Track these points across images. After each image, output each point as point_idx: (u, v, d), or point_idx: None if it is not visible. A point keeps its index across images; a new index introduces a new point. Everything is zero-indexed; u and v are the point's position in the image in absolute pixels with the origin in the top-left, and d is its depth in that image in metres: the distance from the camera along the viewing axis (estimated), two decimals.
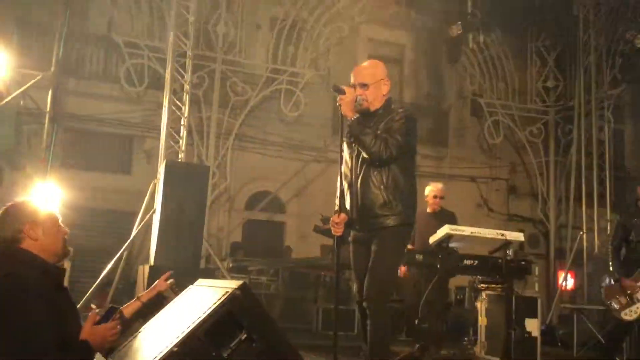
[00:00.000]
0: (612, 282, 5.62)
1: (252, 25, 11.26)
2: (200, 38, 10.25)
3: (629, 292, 5.41)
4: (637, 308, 5.35)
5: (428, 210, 6.44)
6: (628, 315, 5.41)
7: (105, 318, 2.68)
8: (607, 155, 11.12)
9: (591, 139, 11.33)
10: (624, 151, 13.18)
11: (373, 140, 3.54)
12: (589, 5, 11.50)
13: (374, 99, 3.73)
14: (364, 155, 3.61)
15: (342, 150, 3.77)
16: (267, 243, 11.49)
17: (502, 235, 5.66)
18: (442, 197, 6.42)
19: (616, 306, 5.48)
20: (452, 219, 6.25)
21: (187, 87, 9.45)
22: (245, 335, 2.43)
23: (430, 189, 6.45)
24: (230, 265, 9.21)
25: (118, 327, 2.64)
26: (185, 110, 9.41)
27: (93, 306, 4.42)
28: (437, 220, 5.89)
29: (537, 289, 6.67)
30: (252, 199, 11.53)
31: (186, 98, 9.44)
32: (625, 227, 5.66)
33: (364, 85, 3.71)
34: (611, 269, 5.68)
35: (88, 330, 2.52)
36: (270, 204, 11.52)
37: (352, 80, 3.77)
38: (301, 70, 11.05)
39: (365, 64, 3.90)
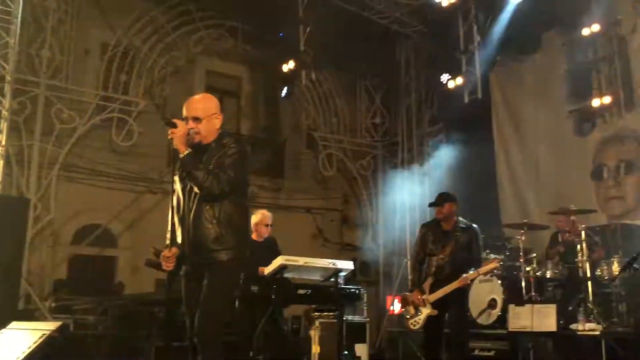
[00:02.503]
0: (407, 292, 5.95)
1: (80, 50, 10.75)
2: (22, 62, 9.56)
3: (417, 304, 5.71)
4: (420, 319, 5.70)
5: (255, 237, 6.46)
6: (413, 324, 5.78)
7: None
8: (427, 188, 12.04)
9: (413, 171, 12.22)
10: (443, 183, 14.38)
11: (205, 176, 3.54)
12: (409, 49, 12.55)
13: (207, 133, 3.74)
14: (196, 190, 3.60)
15: (174, 183, 3.72)
16: (96, 279, 10.81)
17: (334, 264, 5.90)
18: (272, 225, 6.55)
19: (407, 315, 5.86)
20: (275, 245, 6.41)
21: (5, 113, 8.73)
22: None
23: (260, 218, 6.51)
24: (53, 305, 8.54)
25: None
26: (3, 138, 8.68)
27: None
28: (264, 249, 6.00)
29: (366, 314, 6.97)
30: (80, 233, 10.84)
31: (4, 125, 8.71)
32: (422, 240, 5.89)
33: (197, 119, 3.71)
34: (410, 277, 6.00)
35: None
36: (100, 238, 10.90)
37: (184, 112, 3.75)
38: (134, 99, 10.73)
39: (198, 97, 3.90)
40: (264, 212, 6.66)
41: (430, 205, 5.94)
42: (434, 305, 5.62)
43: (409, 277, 6.00)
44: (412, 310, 5.75)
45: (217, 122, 3.80)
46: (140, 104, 10.76)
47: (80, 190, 10.54)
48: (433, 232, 5.84)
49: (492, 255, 5.79)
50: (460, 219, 5.81)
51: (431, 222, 6.10)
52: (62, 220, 10.44)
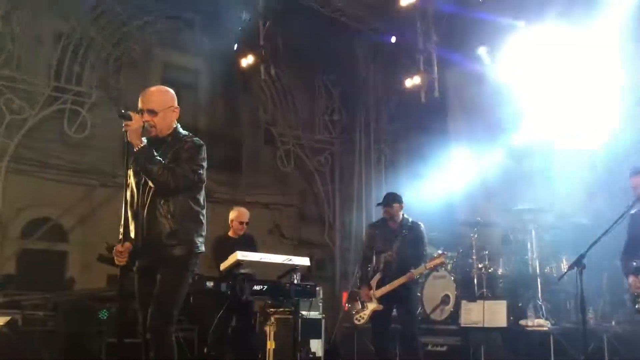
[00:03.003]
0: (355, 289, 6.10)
1: (33, 39, 10.42)
2: None
3: (363, 300, 5.88)
4: (365, 314, 5.87)
5: (230, 234, 6.43)
6: (358, 320, 5.95)
7: None
8: (384, 185, 12.15)
9: (371, 170, 12.32)
10: (399, 181, 14.51)
11: (160, 170, 3.49)
12: (368, 47, 12.61)
13: (163, 127, 3.68)
14: (151, 184, 3.54)
15: (127, 177, 3.65)
16: (46, 275, 10.52)
17: (290, 260, 5.89)
18: (247, 223, 6.49)
19: (353, 311, 6.01)
20: (253, 243, 6.37)
21: None
22: None
23: (237, 215, 6.46)
24: (1, 300, 8.28)
25: None
26: None
27: None
28: (242, 246, 5.93)
29: (321, 310, 7.01)
30: (29, 227, 10.54)
31: None
32: (370, 237, 6.12)
33: (152, 112, 3.64)
34: (358, 275, 6.16)
35: None
36: (50, 232, 10.62)
37: (139, 105, 3.68)
38: (88, 90, 10.48)
39: (153, 89, 3.82)
40: (241, 209, 6.61)
41: (378, 205, 6.08)
42: (381, 300, 5.74)
43: (357, 274, 6.15)
44: (358, 305, 5.94)
45: (174, 115, 3.74)
46: (93, 95, 10.51)
47: (30, 183, 10.26)
48: (380, 230, 6.04)
49: (439, 251, 5.89)
50: (407, 217, 5.96)
51: (378, 221, 6.31)
52: (10, 214, 10.14)
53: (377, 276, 5.85)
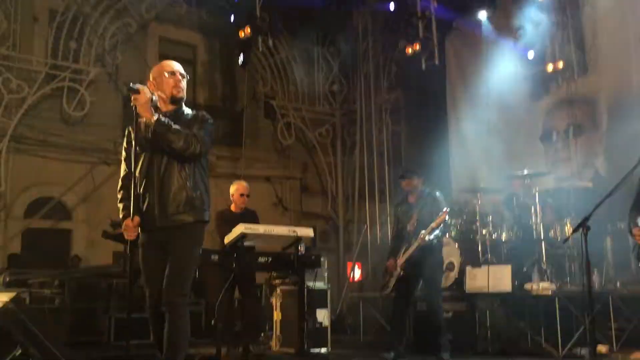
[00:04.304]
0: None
1: (28, 17, 10.31)
2: None
3: (390, 270, 6.05)
4: (390, 282, 6.03)
5: (233, 209, 6.39)
6: (386, 289, 6.11)
7: None
8: (386, 155, 12.11)
9: (372, 140, 12.27)
10: (401, 151, 14.50)
11: (183, 136, 3.48)
12: (367, 16, 12.45)
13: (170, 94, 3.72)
14: (172, 151, 3.51)
15: (135, 151, 3.60)
16: (51, 253, 10.58)
17: (294, 231, 5.92)
18: (248, 195, 6.44)
19: (383, 282, 6.19)
20: (255, 218, 6.35)
21: None
22: (20, 351, 2.23)
23: (236, 187, 6.42)
24: (7, 279, 8.33)
25: None
26: None
27: None
28: (245, 220, 5.90)
29: (327, 281, 7.04)
30: (33, 206, 10.56)
31: None
32: (395, 216, 6.34)
33: (182, 75, 3.70)
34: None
35: None
36: (54, 211, 10.65)
37: (174, 69, 3.68)
38: (85, 67, 10.40)
39: (169, 62, 3.84)
40: (240, 181, 6.56)
41: (400, 178, 6.28)
42: (404, 268, 5.86)
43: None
44: (387, 276, 6.07)
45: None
46: (91, 72, 10.44)
47: (31, 162, 10.26)
48: (402, 207, 6.28)
49: (444, 209, 5.96)
50: (425, 189, 6.09)
51: (400, 199, 6.52)
52: (13, 194, 10.16)
53: (404, 247, 6.00)
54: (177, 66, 3.74)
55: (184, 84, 3.71)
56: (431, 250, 5.88)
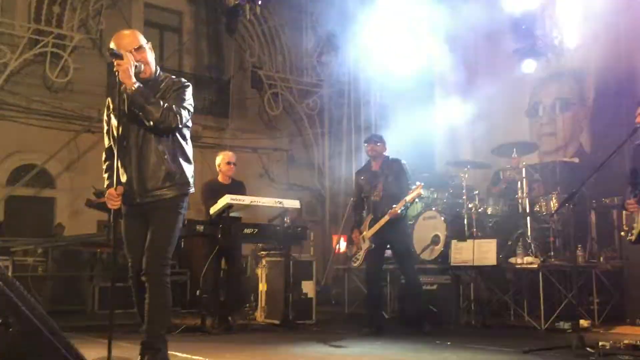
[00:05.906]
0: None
1: None
2: None
3: (357, 243, 5.96)
4: (359, 255, 5.95)
5: (220, 179, 6.29)
6: (354, 261, 6.03)
7: None
8: (373, 128, 12.06)
9: (360, 111, 12.20)
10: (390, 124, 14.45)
11: (160, 109, 3.38)
12: None
13: (150, 65, 3.56)
14: (148, 124, 3.42)
15: (117, 119, 3.51)
16: (34, 221, 10.50)
17: (280, 203, 5.88)
18: (235, 164, 6.34)
19: (349, 254, 6.09)
20: (242, 189, 6.26)
21: None
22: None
23: (222, 157, 6.32)
24: None
25: None
26: None
27: None
28: (232, 191, 5.83)
29: (312, 252, 7.04)
30: (15, 173, 10.43)
31: None
32: (358, 184, 6.15)
33: (140, 48, 3.50)
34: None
35: None
36: (36, 179, 10.52)
37: (116, 48, 3.48)
38: (69, 32, 10.18)
39: (126, 31, 3.64)
40: (226, 151, 6.46)
41: (365, 142, 6.13)
42: (373, 240, 5.78)
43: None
44: (354, 248, 5.96)
45: (153, 55, 3.62)
46: (75, 38, 10.23)
47: (13, 129, 10.10)
48: (365, 175, 6.08)
49: (417, 182, 5.90)
50: (387, 155, 5.97)
51: (363, 167, 6.33)
52: None
53: (369, 217, 5.88)
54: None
55: (149, 57, 3.50)
56: (399, 221, 5.81)
